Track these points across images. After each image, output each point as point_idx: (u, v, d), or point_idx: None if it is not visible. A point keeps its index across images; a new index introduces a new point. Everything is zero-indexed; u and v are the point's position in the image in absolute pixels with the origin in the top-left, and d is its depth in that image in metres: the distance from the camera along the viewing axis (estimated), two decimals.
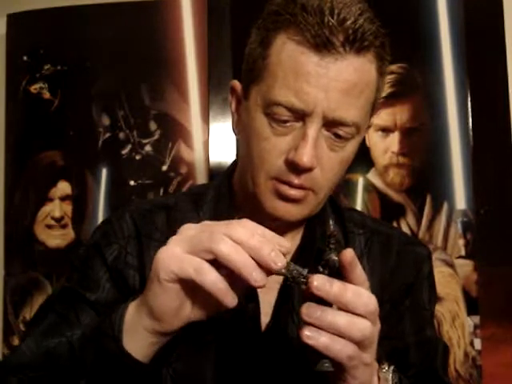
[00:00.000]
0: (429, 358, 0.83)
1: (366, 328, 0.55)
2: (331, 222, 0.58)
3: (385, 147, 1.38)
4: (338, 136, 0.70)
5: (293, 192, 0.70)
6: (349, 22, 0.65)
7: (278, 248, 0.56)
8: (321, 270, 0.57)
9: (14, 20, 1.54)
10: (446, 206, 1.35)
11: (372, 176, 1.38)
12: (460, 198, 1.35)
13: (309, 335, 0.55)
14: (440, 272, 1.32)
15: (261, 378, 0.75)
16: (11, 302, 1.48)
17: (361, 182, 1.38)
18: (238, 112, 0.78)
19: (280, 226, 0.78)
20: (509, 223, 1.34)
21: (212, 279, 0.55)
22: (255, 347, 0.75)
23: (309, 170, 0.69)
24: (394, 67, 1.38)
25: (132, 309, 0.61)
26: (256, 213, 0.76)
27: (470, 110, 1.36)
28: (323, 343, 0.55)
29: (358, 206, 1.37)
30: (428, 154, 1.36)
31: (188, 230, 0.59)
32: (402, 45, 1.38)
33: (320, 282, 0.55)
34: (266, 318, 0.76)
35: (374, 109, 0.74)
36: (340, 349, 0.55)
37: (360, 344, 0.56)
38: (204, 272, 0.55)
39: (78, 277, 0.80)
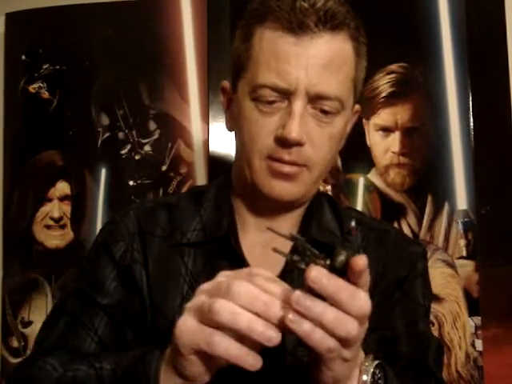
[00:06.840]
0: (420, 351, 0.82)
1: (354, 329, 0.54)
2: (353, 222, 0.56)
3: (385, 147, 1.37)
4: (323, 112, 0.73)
5: (286, 168, 0.74)
6: (319, 5, 0.71)
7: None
8: (327, 262, 0.54)
9: (12, 19, 1.54)
10: (447, 206, 1.34)
11: (373, 176, 1.38)
12: (461, 198, 1.34)
13: (292, 319, 0.54)
14: (441, 272, 1.31)
15: (261, 370, 0.75)
16: (10, 303, 1.48)
17: (361, 181, 1.38)
18: (230, 109, 0.82)
19: (280, 215, 0.81)
20: (510, 223, 1.33)
21: (224, 350, 0.54)
22: None
23: (298, 144, 0.72)
24: (394, 67, 1.37)
25: (165, 361, 0.61)
26: (254, 201, 0.80)
27: (471, 109, 1.35)
28: (304, 331, 0.54)
29: (359, 206, 1.37)
30: (429, 154, 1.36)
31: (200, 293, 0.58)
32: (402, 44, 1.38)
33: (317, 275, 0.53)
34: None
35: (356, 89, 0.78)
36: (320, 340, 0.54)
37: (342, 341, 0.55)
38: (215, 344, 0.54)
39: (87, 278, 0.82)
